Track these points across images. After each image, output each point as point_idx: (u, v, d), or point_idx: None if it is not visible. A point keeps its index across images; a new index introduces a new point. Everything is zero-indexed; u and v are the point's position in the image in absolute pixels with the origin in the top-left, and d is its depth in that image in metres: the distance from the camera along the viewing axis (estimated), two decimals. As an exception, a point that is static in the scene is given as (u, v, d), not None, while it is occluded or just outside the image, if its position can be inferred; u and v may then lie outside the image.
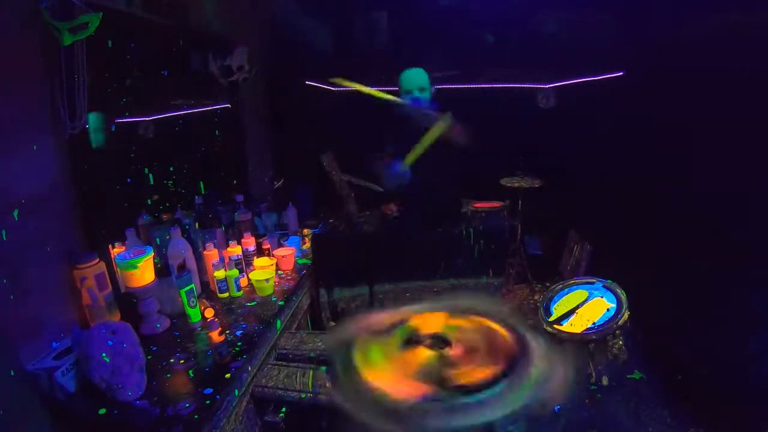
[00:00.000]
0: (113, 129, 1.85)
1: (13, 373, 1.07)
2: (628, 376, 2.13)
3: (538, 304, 2.01)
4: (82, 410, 1.25)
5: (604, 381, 2.02)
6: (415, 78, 2.27)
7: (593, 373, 1.98)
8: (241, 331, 1.69)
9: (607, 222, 2.75)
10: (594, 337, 1.83)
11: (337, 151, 2.40)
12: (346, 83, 2.35)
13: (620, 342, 1.92)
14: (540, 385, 1.10)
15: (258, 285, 1.99)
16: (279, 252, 2.28)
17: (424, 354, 1.24)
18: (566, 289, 2.16)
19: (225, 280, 1.95)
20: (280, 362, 1.79)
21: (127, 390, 1.28)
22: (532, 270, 3.14)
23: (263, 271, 2.03)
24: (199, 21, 2.21)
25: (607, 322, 1.87)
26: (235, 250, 2.05)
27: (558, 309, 2.08)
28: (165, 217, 2.20)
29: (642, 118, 2.50)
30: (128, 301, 1.66)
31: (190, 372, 1.44)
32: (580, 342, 1.86)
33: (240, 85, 2.61)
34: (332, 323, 2.60)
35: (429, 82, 2.29)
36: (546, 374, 1.13)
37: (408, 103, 2.25)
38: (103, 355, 1.25)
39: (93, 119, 1.64)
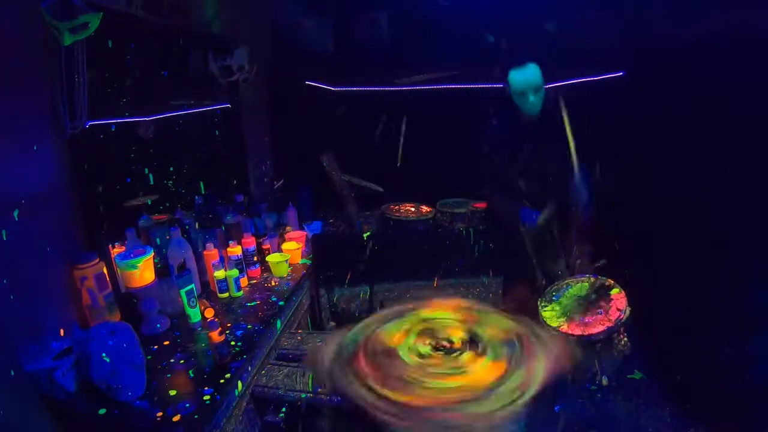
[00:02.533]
0: (113, 129, 1.85)
1: (13, 373, 1.07)
2: (628, 376, 2.13)
3: (540, 305, 2.01)
4: (82, 410, 1.25)
5: (604, 381, 2.02)
6: (532, 77, 2.03)
7: (598, 372, 1.98)
8: (241, 331, 1.69)
9: (606, 221, 2.74)
10: (601, 336, 1.83)
11: (337, 151, 2.40)
12: None
13: (625, 338, 1.92)
14: None
15: (274, 266, 2.19)
16: (294, 234, 2.45)
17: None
18: (564, 288, 2.15)
19: (225, 280, 1.95)
20: (280, 362, 1.79)
21: (127, 390, 1.28)
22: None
23: (280, 255, 2.25)
24: (199, 21, 2.21)
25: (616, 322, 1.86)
26: (235, 250, 2.05)
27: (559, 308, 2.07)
28: (160, 217, 2.19)
29: (641, 117, 2.49)
30: (128, 301, 1.66)
31: (190, 372, 1.44)
32: (588, 343, 1.87)
33: (240, 85, 2.61)
34: (332, 323, 2.60)
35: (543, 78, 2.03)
36: None
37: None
38: (103, 355, 1.25)
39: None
